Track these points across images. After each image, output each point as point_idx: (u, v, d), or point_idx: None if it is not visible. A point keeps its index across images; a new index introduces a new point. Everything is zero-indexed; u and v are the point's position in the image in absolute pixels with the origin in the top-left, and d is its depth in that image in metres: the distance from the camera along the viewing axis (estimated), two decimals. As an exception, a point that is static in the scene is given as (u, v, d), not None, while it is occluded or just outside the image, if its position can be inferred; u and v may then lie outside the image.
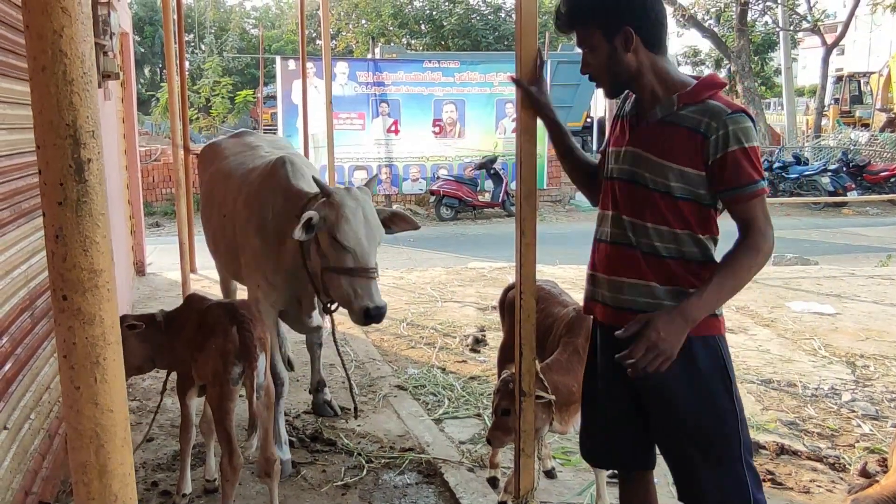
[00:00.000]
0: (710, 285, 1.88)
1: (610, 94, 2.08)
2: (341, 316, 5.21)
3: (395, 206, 3.42)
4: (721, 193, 1.92)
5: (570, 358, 2.67)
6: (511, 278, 4.55)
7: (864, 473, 3.32)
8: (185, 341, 2.95)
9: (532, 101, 2.31)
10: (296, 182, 3.38)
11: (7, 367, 2.70)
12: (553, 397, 2.59)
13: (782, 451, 3.57)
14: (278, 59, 14.23)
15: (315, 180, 3.20)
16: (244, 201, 3.54)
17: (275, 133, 13.79)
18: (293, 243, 3.21)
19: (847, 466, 3.46)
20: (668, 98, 1.94)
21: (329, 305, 3.37)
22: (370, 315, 3.06)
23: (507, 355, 3.20)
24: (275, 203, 3.38)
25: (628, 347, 1.88)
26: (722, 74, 30.79)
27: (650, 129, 1.97)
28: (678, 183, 1.92)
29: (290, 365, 4.20)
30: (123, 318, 2.87)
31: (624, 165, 2.02)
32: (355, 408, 4.01)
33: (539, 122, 2.35)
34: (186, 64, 7.54)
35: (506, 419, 2.61)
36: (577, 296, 3.39)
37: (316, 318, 3.69)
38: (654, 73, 1.97)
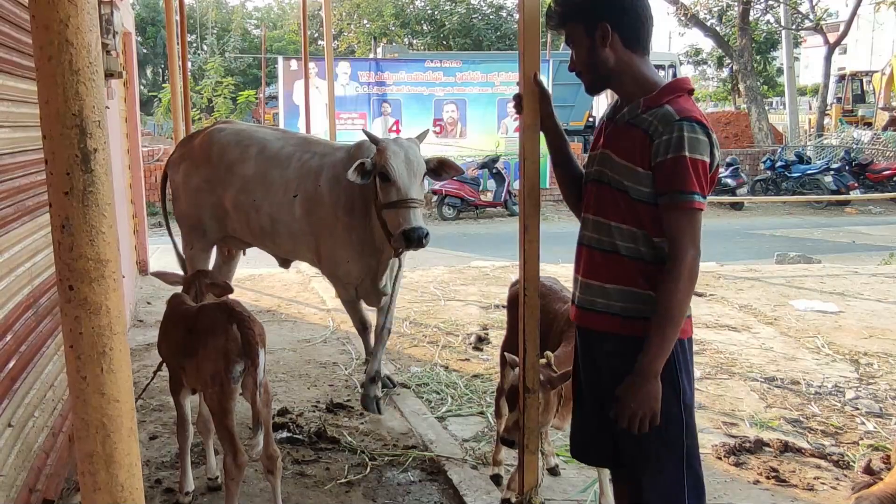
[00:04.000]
0: (650, 338, 1.91)
1: (589, 90, 2.13)
2: (344, 314, 5.21)
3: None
4: (658, 199, 1.93)
5: (572, 352, 2.67)
6: (513, 277, 4.52)
7: (868, 471, 3.31)
8: (171, 346, 2.96)
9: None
10: None
11: (11, 364, 2.70)
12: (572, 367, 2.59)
13: (786, 448, 3.56)
14: (280, 59, 14.25)
15: (364, 132, 3.86)
16: (328, 184, 3.91)
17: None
18: (374, 212, 3.75)
19: (851, 464, 3.45)
20: (636, 101, 1.98)
21: (399, 251, 3.81)
22: (409, 237, 3.50)
23: (509, 351, 3.19)
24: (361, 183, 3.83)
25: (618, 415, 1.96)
26: (724, 74, 30.82)
27: (617, 130, 2.02)
28: (632, 183, 1.95)
29: (391, 382, 4.35)
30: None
31: (596, 167, 2.08)
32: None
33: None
34: (189, 64, 7.54)
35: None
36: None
37: (387, 284, 4.12)
38: (630, 71, 2.01)
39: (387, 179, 3.57)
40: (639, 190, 1.95)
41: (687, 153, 1.86)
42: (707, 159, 1.89)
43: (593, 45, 2.00)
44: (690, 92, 2.00)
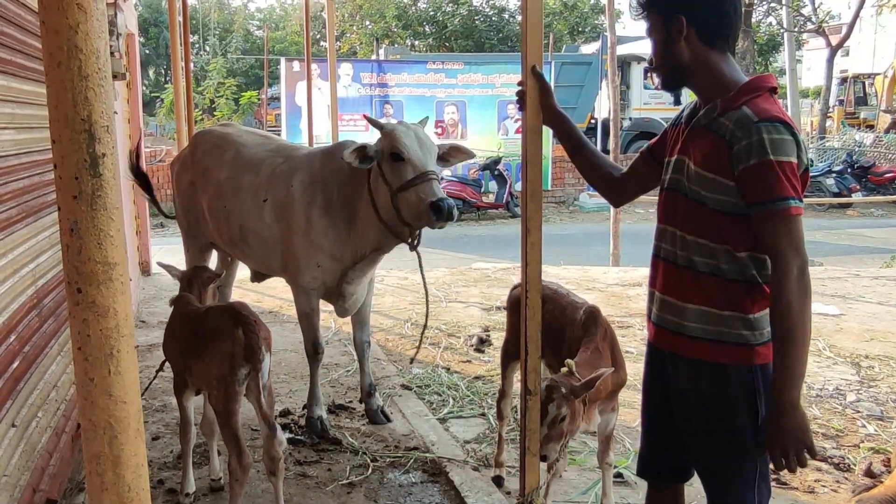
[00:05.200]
0: (776, 369, 1.79)
1: (662, 85, 2.03)
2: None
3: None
4: (748, 210, 1.79)
5: (592, 356, 2.67)
6: (515, 279, 4.52)
7: (869, 473, 3.32)
8: (177, 347, 2.98)
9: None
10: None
11: (15, 364, 2.72)
12: (612, 369, 2.58)
13: (787, 450, 3.56)
14: (282, 60, 14.26)
15: (367, 118, 3.71)
16: (302, 185, 3.69)
17: (279, 134, 13.84)
18: (364, 209, 3.52)
19: (852, 466, 3.46)
20: (713, 103, 1.87)
21: (414, 241, 3.52)
22: (439, 207, 3.19)
23: (510, 353, 3.20)
24: (341, 181, 3.62)
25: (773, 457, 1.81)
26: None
27: (693, 135, 1.91)
28: (711, 193, 1.83)
29: (386, 417, 3.99)
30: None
31: (672, 174, 1.96)
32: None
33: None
34: (191, 65, 7.55)
35: (560, 426, 2.54)
36: (581, 296, 3.40)
37: (360, 295, 3.90)
38: (707, 69, 1.90)
39: (399, 159, 3.31)
40: (718, 200, 1.82)
41: (772, 156, 1.73)
42: (794, 160, 1.75)
43: (668, 39, 1.90)
44: (773, 90, 1.86)
